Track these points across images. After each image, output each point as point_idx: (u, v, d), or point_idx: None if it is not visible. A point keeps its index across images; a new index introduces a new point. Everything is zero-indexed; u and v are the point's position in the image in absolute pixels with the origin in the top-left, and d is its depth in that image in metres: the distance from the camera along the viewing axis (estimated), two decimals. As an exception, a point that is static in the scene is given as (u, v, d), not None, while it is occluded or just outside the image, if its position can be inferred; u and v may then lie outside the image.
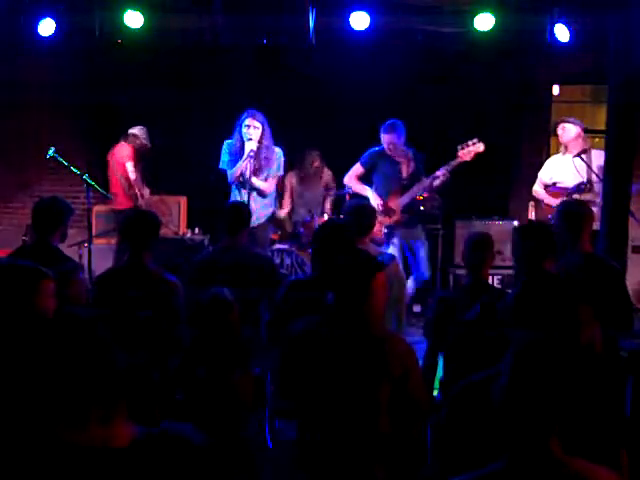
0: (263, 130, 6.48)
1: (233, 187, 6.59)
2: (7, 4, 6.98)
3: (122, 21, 6.94)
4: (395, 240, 6.83)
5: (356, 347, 3.03)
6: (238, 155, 6.49)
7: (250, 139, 6.41)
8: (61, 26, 6.99)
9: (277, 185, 6.91)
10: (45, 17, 6.93)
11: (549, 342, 2.04)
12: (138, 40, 7.17)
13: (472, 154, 6.58)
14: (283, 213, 7.85)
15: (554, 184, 7.18)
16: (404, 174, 6.82)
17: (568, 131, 7.09)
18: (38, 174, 8.99)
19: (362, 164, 6.93)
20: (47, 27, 6.95)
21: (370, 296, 3.06)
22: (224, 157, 6.60)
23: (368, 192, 6.86)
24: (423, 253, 6.84)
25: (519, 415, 1.95)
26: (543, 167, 7.42)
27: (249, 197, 6.34)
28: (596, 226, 5.61)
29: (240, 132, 6.50)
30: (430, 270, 6.85)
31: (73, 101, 8.85)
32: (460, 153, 6.58)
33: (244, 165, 6.40)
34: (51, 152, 6.77)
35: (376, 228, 6.72)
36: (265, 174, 6.55)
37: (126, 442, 1.70)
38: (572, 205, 4.51)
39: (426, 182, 6.66)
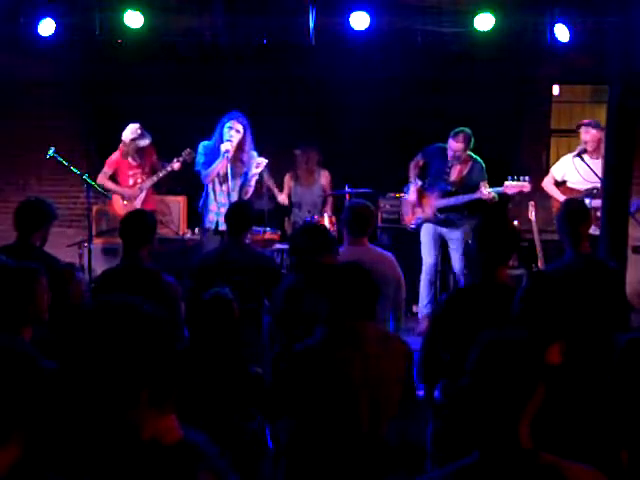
0: (244, 134, 6.35)
1: (207, 188, 6.45)
2: (7, 4, 6.99)
3: (122, 21, 6.95)
4: (430, 235, 7.00)
5: (366, 350, 3.08)
6: (214, 156, 6.33)
7: (229, 140, 6.25)
8: (61, 26, 6.99)
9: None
10: (45, 17, 6.93)
11: (512, 339, 2.06)
12: (138, 40, 7.18)
13: (515, 190, 6.81)
14: (282, 198, 7.83)
15: (564, 182, 7.18)
16: (452, 178, 6.92)
17: (592, 136, 7.03)
18: (38, 174, 8.99)
19: (423, 156, 7.11)
20: (47, 27, 6.96)
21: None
22: (199, 159, 6.43)
23: (412, 184, 7.10)
24: (454, 252, 6.87)
25: (483, 410, 1.99)
26: (557, 163, 7.41)
27: (229, 197, 6.22)
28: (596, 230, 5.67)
29: (221, 133, 6.35)
30: (461, 267, 6.80)
31: (73, 101, 8.86)
32: (506, 184, 6.81)
33: (220, 166, 6.28)
34: (51, 152, 6.76)
35: (409, 218, 7.15)
36: (242, 178, 6.42)
37: (175, 440, 1.71)
38: (573, 205, 4.48)
39: (466, 198, 6.83)
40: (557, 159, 8.65)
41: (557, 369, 2.54)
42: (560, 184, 7.23)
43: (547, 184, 7.33)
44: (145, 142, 7.41)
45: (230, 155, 6.22)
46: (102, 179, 7.42)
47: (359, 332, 3.11)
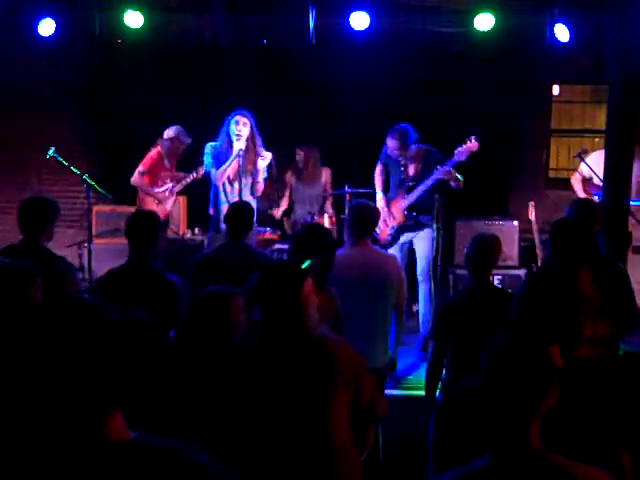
0: (252, 129, 6.23)
1: (219, 189, 6.34)
2: (7, 4, 6.99)
3: (122, 21, 6.95)
4: (399, 241, 6.70)
5: (302, 357, 2.86)
6: (225, 156, 6.23)
7: (239, 137, 6.17)
8: (61, 26, 7.00)
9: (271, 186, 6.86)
10: (45, 17, 6.94)
11: (524, 342, 2.06)
12: (138, 40, 7.18)
13: (466, 153, 6.39)
14: (278, 213, 7.86)
15: (590, 179, 7.07)
16: (410, 174, 6.62)
17: None
18: (38, 174, 8.99)
19: (380, 162, 6.80)
20: (47, 27, 6.96)
21: (303, 305, 2.92)
22: (208, 159, 6.31)
23: (378, 193, 6.75)
24: (421, 252, 6.64)
25: (495, 411, 1.99)
26: (587, 159, 7.15)
27: (240, 197, 6.16)
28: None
29: (228, 132, 6.22)
30: (427, 269, 6.62)
31: (73, 101, 8.86)
32: (455, 152, 6.43)
33: (234, 164, 6.20)
34: (51, 152, 6.76)
35: (384, 232, 6.66)
36: (254, 176, 6.30)
37: (125, 437, 1.67)
38: (585, 204, 4.45)
39: (427, 182, 6.48)
40: (557, 159, 8.65)
41: (559, 370, 2.54)
42: (587, 180, 7.13)
43: (575, 181, 7.19)
44: (188, 140, 7.39)
45: (243, 153, 6.15)
46: (139, 179, 7.34)
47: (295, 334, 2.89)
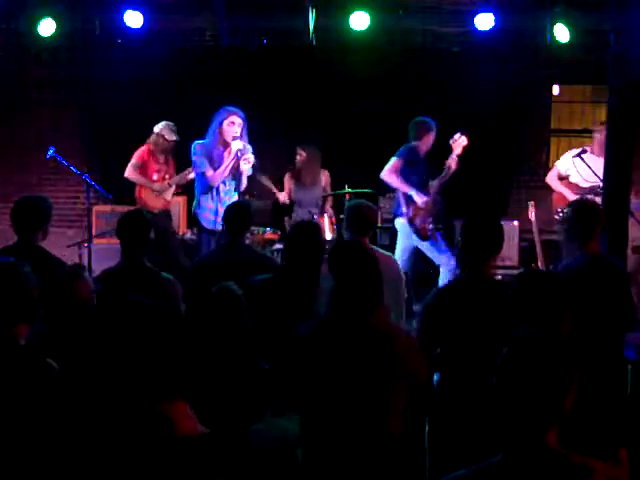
0: (243, 128, 6.21)
1: (206, 188, 6.24)
2: (7, 4, 7.00)
3: (122, 21, 6.96)
4: (408, 240, 6.80)
5: (364, 345, 2.96)
6: (219, 156, 6.19)
7: (235, 137, 6.12)
8: (61, 26, 7.00)
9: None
10: (45, 17, 6.94)
11: (541, 338, 2.04)
12: (138, 40, 7.18)
13: (460, 149, 6.61)
14: (283, 197, 7.80)
15: (567, 177, 7.09)
16: (426, 170, 6.80)
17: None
18: (38, 174, 8.99)
19: (404, 159, 6.61)
20: (47, 27, 6.97)
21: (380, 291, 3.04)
22: (199, 160, 6.19)
23: (412, 191, 6.66)
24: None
25: (513, 410, 1.96)
26: (562, 158, 7.26)
27: (237, 196, 6.23)
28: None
29: (216, 131, 6.18)
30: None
31: (73, 101, 8.87)
32: (453, 145, 6.64)
33: (232, 165, 6.16)
34: (51, 152, 6.76)
35: (421, 226, 6.71)
36: (238, 177, 6.28)
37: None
38: (586, 204, 4.44)
39: (442, 178, 6.68)
40: (557, 159, 8.65)
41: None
42: (562, 179, 7.16)
43: (552, 178, 7.21)
44: (172, 137, 7.38)
45: (241, 154, 6.11)
46: (132, 172, 7.39)
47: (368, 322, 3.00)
